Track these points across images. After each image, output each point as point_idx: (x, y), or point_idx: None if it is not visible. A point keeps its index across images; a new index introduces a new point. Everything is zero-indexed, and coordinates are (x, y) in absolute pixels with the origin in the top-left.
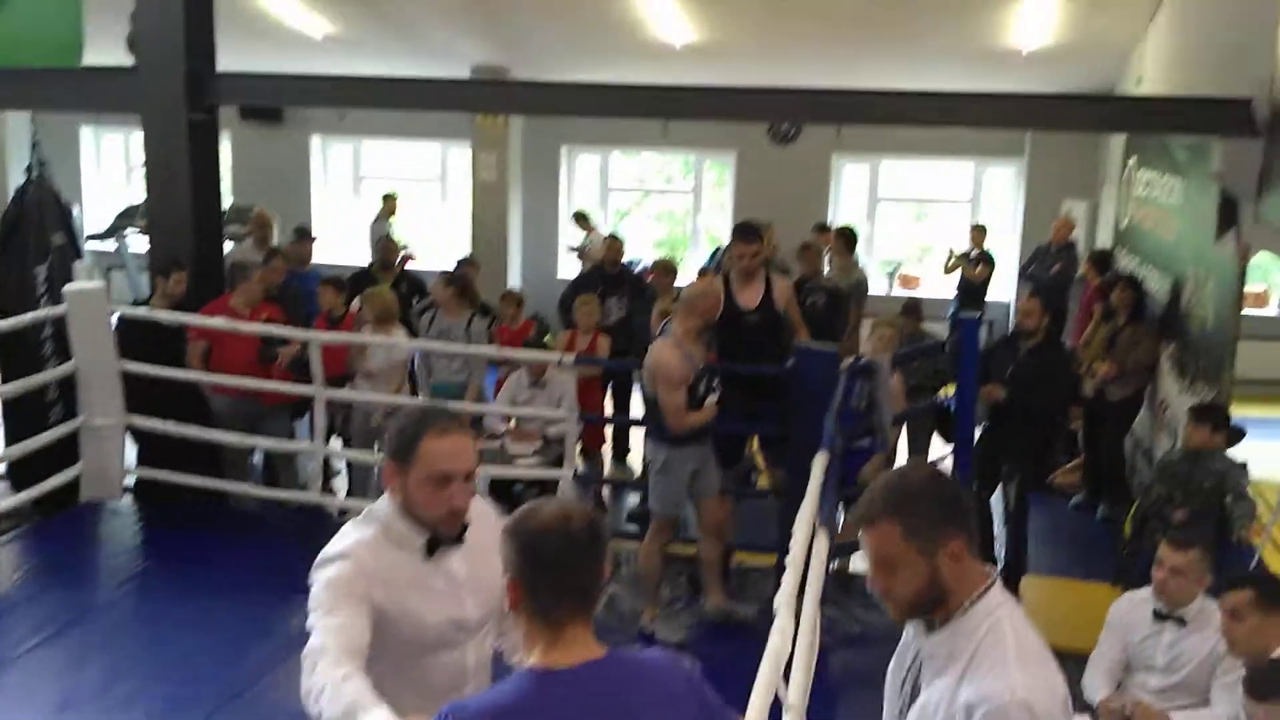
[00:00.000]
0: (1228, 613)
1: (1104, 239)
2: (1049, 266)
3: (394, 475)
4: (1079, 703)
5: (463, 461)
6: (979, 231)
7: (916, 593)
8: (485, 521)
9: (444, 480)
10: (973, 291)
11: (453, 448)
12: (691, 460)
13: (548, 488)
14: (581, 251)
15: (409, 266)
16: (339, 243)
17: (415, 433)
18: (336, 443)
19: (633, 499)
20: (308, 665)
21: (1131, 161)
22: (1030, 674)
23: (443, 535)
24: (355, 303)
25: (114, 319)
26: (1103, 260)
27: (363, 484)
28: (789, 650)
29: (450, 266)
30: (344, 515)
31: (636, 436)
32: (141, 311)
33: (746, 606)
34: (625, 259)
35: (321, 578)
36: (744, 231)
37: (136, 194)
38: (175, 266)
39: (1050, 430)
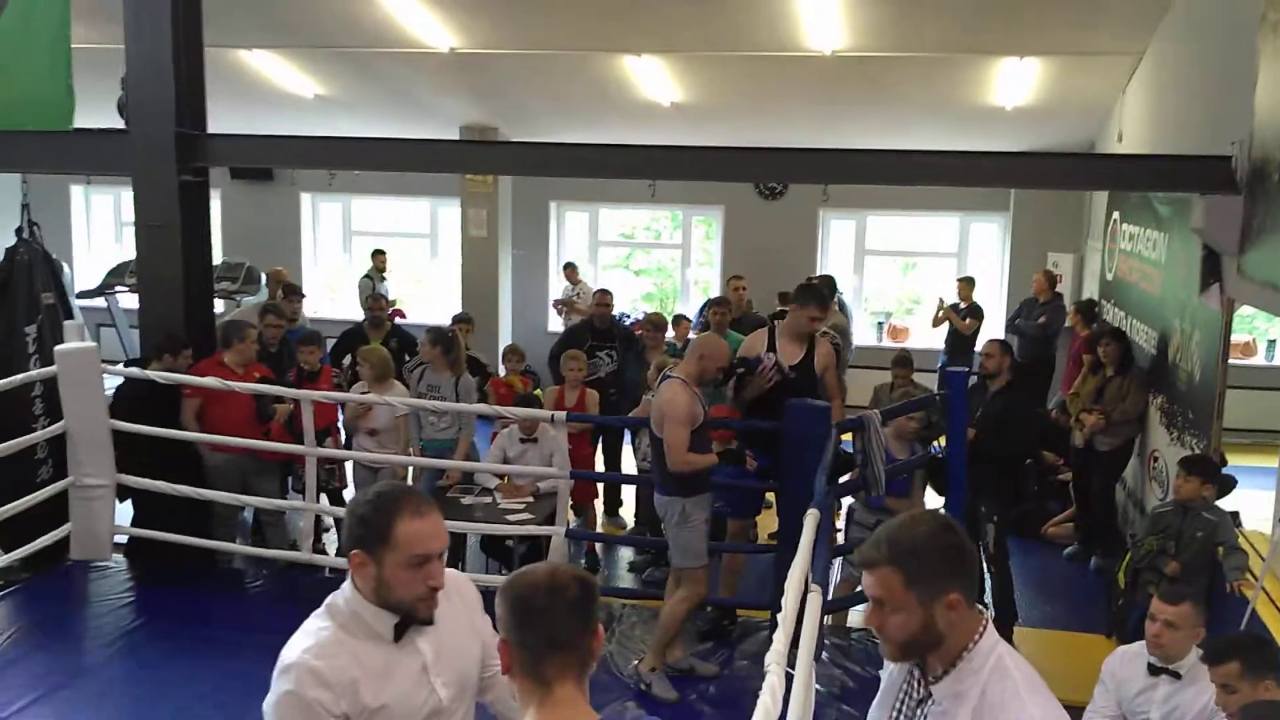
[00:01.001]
0: (1219, 686)
1: (1090, 290)
2: (1036, 318)
3: (365, 564)
4: None
5: (440, 540)
6: (967, 284)
7: (910, 636)
8: (454, 593)
9: (424, 561)
10: (962, 342)
11: (430, 528)
12: (707, 507)
13: (540, 543)
14: (565, 305)
15: (399, 323)
16: (330, 299)
17: (388, 517)
18: (324, 499)
19: (625, 553)
20: None
21: (1115, 216)
22: (1040, 705)
23: (419, 616)
24: (346, 359)
25: (117, 381)
26: (1089, 311)
27: None
28: (780, 709)
29: (441, 322)
30: (335, 573)
31: (629, 491)
32: (134, 371)
33: (708, 664)
34: (614, 312)
35: (282, 698)
36: (815, 297)
37: (127, 251)
38: (183, 345)
39: (1019, 472)
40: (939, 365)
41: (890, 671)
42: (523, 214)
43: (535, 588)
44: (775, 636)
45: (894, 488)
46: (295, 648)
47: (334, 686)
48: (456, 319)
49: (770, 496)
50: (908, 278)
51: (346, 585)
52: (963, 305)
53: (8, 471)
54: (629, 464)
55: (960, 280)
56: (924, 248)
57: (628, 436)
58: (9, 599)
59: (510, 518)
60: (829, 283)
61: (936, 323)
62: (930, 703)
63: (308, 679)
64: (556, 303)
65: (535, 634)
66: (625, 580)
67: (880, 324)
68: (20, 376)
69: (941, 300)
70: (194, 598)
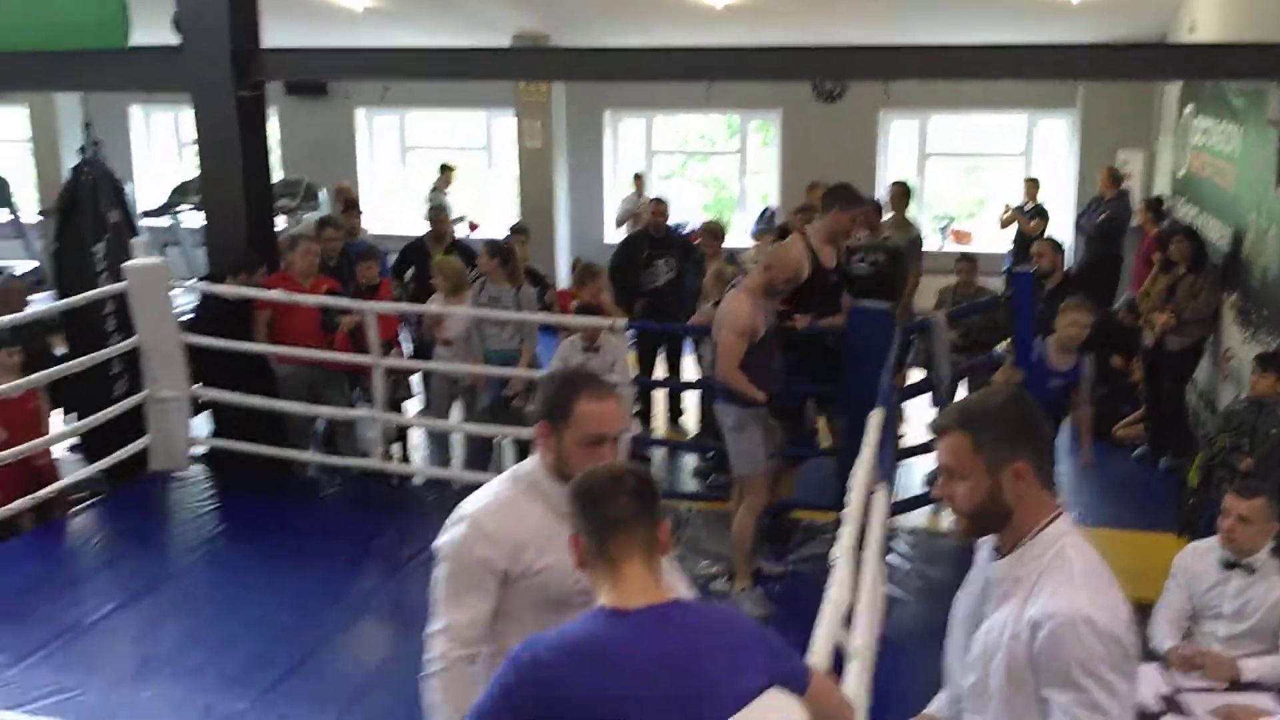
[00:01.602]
0: None
1: (1161, 187)
2: (1098, 215)
3: (548, 435)
4: (1146, 652)
5: (614, 424)
6: (1033, 185)
7: (978, 506)
8: None
9: (597, 441)
10: (1028, 245)
11: (607, 412)
12: (761, 419)
13: None
14: (623, 218)
15: (462, 236)
16: (387, 214)
17: (571, 395)
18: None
19: (690, 459)
20: (429, 663)
21: (1188, 110)
22: (1095, 593)
23: None
24: (408, 273)
25: (188, 297)
26: (1159, 208)
27: (441, 449)
28: (848, 600)
29: (499, 234)
30: (405, 482)
31: (690, 399)
32: (203, 285)
33: (775, 563)
34: (672, 222)
35: (452, 546)
36: (852, 199)
37: (188, 170)
38: (256, 263)
39: None
40: (1004, 269)
41: (976, 563)
42: (578, 124)
43: (594, 478)
44: (841, 532)
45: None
46: (473, 502)
47: (499, 544)
48: (513, 229)
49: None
50: (971, 181)
51: (533, 455)
52: (1028, 207)
53: (86, 387)
54: (692, 373)
55: (1026, 181)
56: (989, 149)
57: (689, 346)
58: (93, 510)
59: None
60: (906, 190)
61: (1003, 225)
62: (991, 585)
63: (475, 532)
64: (624, 214)
65: (596, 518)
66: (690, 485)
67: (943, 228)
68: (92, 293)
69: (1008, 204)
70: (271, 506)
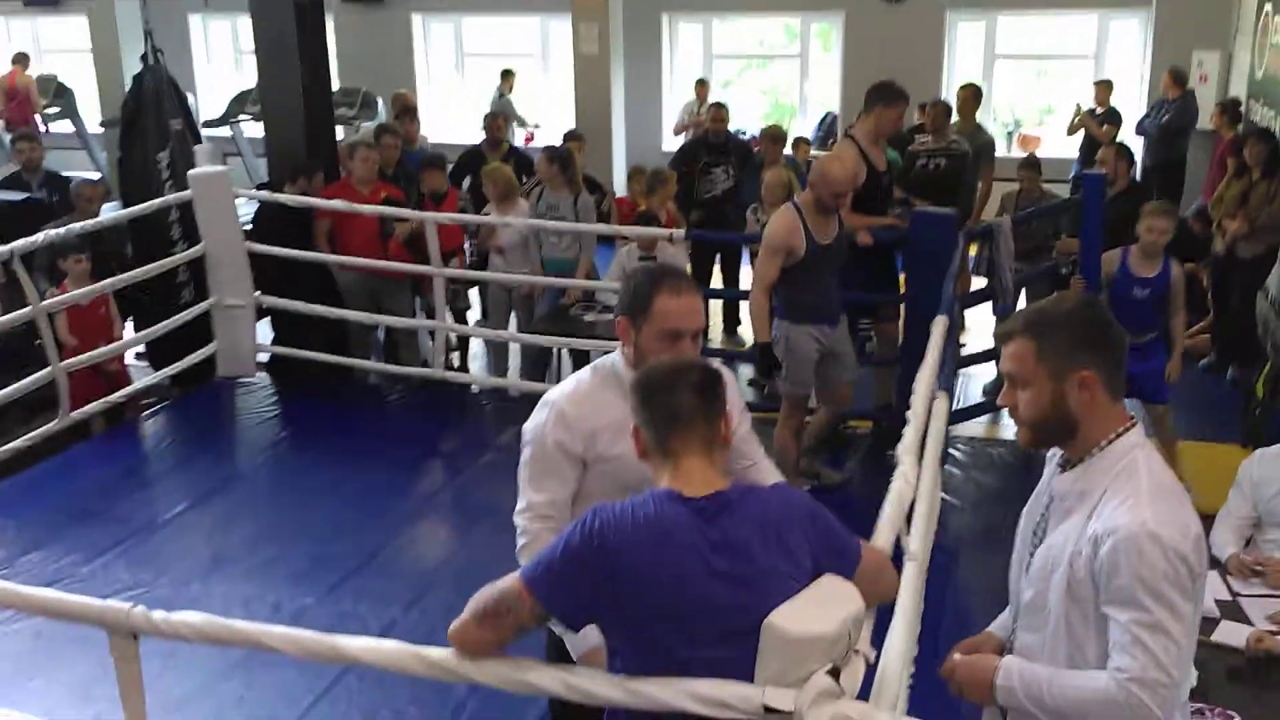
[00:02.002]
0: None
1: (1238, 90)
2: (1161, 118)
3: (627, 329)
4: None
5: (693, 320)
6: (1104, 88)
7: (1040, 415)
8: None
9: (675, 337)
10: (1097, 150)
11: (685, 306)
12: (813, 340)
13: None
14: (682, 126)
15: (531, 145)
16: (444, 122)
17: (650, 290)
18: (451, 319)
19: (745, 370)
20: (519, 538)
21: (1267, 9)
22: (1162, 509)
23: None
24: (465, 181)
25: (252, 207)
26: (1234, 111)
27: (501, 360)
28: (912, 494)
29: (555, 142)
30: (463, 389)
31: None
32: (264, 194)
33: (834, 471)
34: (731, 128)
35: (535, 428)
36: (894, 94)
37: (247, 80)
38: (314, 169)
39: None
40: (1072, 175)
41: (1045, 477)
42: (634, 29)
43: (658, 370)
44: (905, 432)
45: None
46: (557, 389)
47: (575, 430)
48: (568, 136)
49: None
50: (1040, 86)
51: (618, 349)
52: (1099, 111)
53: (153, 295)
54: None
55: (1097, 84)
56: (1058, 50)
57: (746, 256)
58: (162, 414)
59: None
60: (976, 92)
61: (1072, 129)
62: (1055, 500)
63: (555, 417)
64: (682, 121)
65: (658, 411)
66: (746, 395)
67: (1010, 133)
68: (157, 201)
69: (1079, 106)
70: (335, 412)
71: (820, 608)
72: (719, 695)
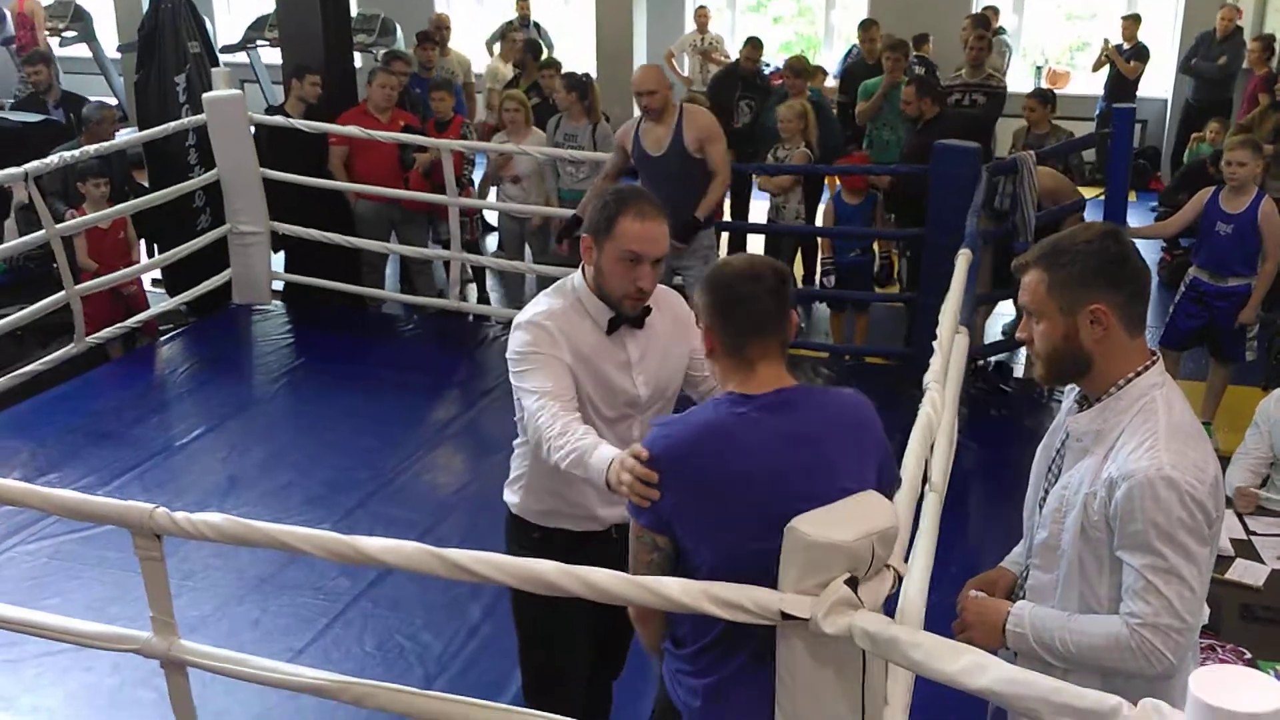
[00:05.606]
0: None
1: (1273, 25)
2: (1214, 57)
3: (590, 248)
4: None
5: (654, 246)
6: (1132, 21)
7: (1053, 349)
8: (666, 309)
9: (634, 260)
10: (1124, 87)
11: (647, 232)
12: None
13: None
14: (701, 55)
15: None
16: (464, 50)
17: (616, 211)
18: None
19: None
20: (535, 422)
21: None
22: (1178, 452)
23: (626, 314)
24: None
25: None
26: (1270, 47)
27: (516, 292)
28: (939, 422)
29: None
30: (479, 321)
31: (757, 243)
32: (280, 120)
33: None
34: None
35: (521, 341)
36: None
37: (265, 4)
38: (309, 70)
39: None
40: (1097, 111)
41: (1060, 414)
42: None
43: (738, 275)
44: (931, 362)
45: None
46: (529, 310)
47: (559, 342)
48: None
49: None
50: (1070, 27)
51: (578, 271)
52: (1126, 46)
53: (169, 220)
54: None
55: (1125, 18)
56: None
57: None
58: (178, 339)
59: None
60: (985, 20)
61: (1097, 66)
62: (1072, 438)
63: (537, 332)
64: (679, 48)
65: (738, 319)
66: None
67: (1039, 68)
68: (172, 124)
69: (1106, 40)
70: (349, 340)
71: (849, 517)
72: (738, 599)
